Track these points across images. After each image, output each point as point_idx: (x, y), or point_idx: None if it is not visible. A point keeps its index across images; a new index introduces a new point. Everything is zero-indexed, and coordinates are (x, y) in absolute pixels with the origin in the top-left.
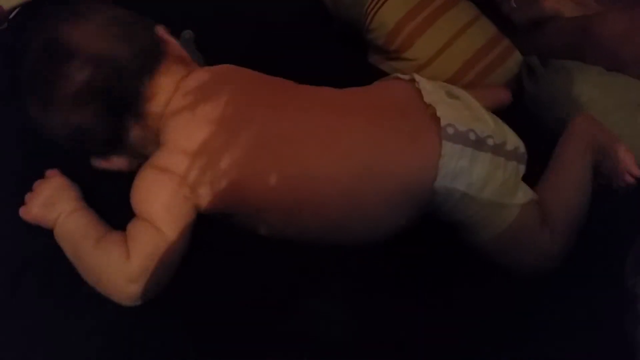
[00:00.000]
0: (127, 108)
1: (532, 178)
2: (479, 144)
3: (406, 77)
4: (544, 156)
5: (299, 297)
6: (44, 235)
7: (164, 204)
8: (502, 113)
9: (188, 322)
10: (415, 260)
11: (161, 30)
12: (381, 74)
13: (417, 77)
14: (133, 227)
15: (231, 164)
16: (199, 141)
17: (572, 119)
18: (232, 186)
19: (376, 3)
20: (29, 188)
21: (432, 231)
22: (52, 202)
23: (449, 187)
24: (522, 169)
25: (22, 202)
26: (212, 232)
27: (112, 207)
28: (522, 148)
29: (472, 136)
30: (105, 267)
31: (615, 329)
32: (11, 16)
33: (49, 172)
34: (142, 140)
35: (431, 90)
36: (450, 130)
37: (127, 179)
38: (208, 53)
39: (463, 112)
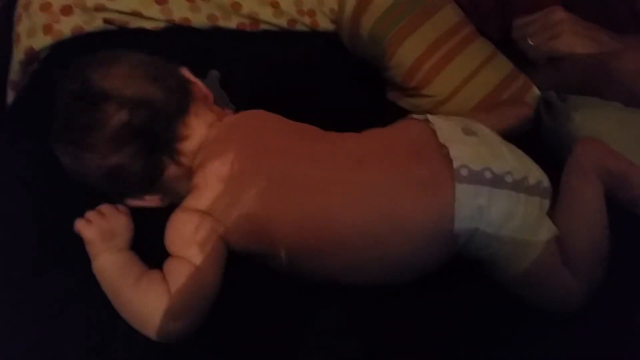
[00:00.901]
0: (164, 148)
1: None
2: (496, 181)
3: (420, 117)
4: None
5: (305, 333)
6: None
7: (198, 241)
8: (521, 149)
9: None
10: (429, 292)
11: (186, 72)
12: (399, 110)
13: (430, 117)
14: (170, 265)
15: (256, 204)
16: (228, 181)
17: (575, 143)
18: (257, 224)
19: (394, 41)
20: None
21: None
22: (112, 234)
23: (468, 229)
24: (546, 203)
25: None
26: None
27: (145, 246)
28: (545, 182)
29: (488, 175)
30: (147, 305)
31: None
32: (43, 56)
33: (123, 208)
34: (175, 179)
35: (446, 129)
36: (464, 172)
37: (159, 216)
38: (231, 92)
39: (479, 149)
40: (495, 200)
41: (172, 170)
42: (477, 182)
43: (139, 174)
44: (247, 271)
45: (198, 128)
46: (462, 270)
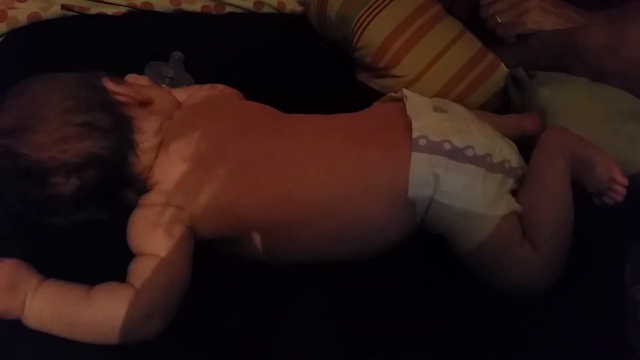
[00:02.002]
0: (127, 186)
1: None
2: (454, 153)
3: (398, 95)
4: None
5: (288, 316)
6: None
7: (162, 233)
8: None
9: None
10: (410, 272)
11: (109, 84)
12: (369, 92)
13: (406, 92)
14: (135, 265)
15: (224, 186)
16: (192, 166)
17: (542, 133)
18: (226, 208)
19: (362, 22)
20: None
21: (424, 244)
22: (14, 285)
23: (422, 196)
24: (509, 182)
25: None
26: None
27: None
28: (514, 163)
29: (446, 146)
30: (116, 314)
31: (616, 337)
32: None
33: None
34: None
35: (417, 105)
36: (422, 142)
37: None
38: (196, 74)
39: (444, 124)
40: (451, 171)
41: (132, 191)
42: (434, 152)
43: (109, 213)
44: (221, 261)
45: (149, 141)
46: (438, 258)
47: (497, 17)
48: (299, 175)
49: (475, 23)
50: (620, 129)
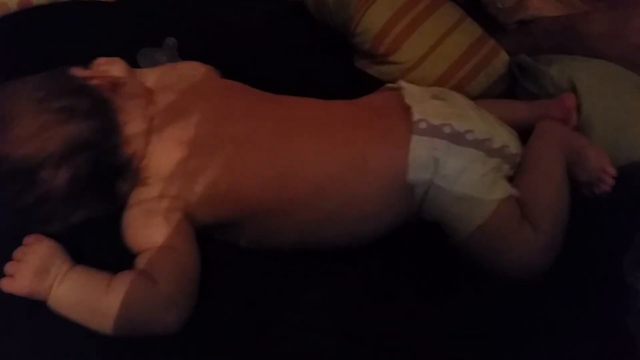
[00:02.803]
0: (121, 172)
1: None
2: (455, 137)
3: (394, 85)
4: None
5: (286, 307)
6: None
7: (162, 225)
8: None
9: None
10: (408, 264)
11: (78, 71)
12: (368, 78)
13: (403, 83)
14: (144, 258)
15: (222, 171)
16: (177, 160)
17: (538, 123)
18: (225, 192)
19: (361, 7)
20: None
21: (424, 234)
22: (46, 268)
23: (422, 179)
24: (506, 168)
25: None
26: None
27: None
28: (513, 149)
29: (447, 130)
30: (135, 305)
31: (616, 325)
32: None
33: (31, 238)
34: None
35: (416, 94)
36: (422, 125)
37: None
38: (190, 59)
39: (443, 109)
40: (452, 155)
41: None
42: (434, 135)
43: (104, 209)
44: (216, 250)
45: (135, 122)
46: (440, 247)
47: (498, 3)
48: (295, 156)
49: (476, 9)
50: (630, 104)
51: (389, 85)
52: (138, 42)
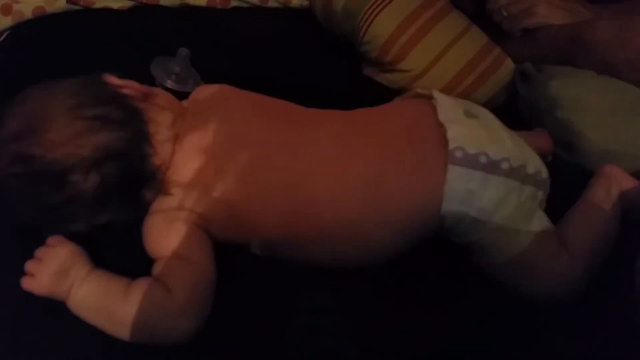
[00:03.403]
0: (147, 182)
1: None
2: (491, 167)
3: (426, 92)
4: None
5: (297, 311)
6: None
7: (181, 235)
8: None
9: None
10: (417, 271)
11: (112, 79)
12: (376, 86)
13: (436, 93)
14: (161, 266)
15: (235, 195)
16: (194, 173)
17: (600, 167)
18: (236, 216)
19: (369, 16)
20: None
21: (433, 244)
22: (65, 270)
23: (456, 212)
24: (540, 195)
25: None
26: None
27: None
28: (544, 174)
29: (483, 159)
30: (149, 312)
31: (626, 328)
32: (1, 39)
33: (54, 239)
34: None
35: (449, 108)
36: (458, 154)
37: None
38: (203, 70)
39: (477, 132)
40: (488, 186)
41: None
42: (470, 165)
43: (128, 215)
44: (228, 255)
45: (163, 134)
46: (450, 253)
47: (503, 10)
48: (311, 193)
49: (482, 17)
50: (628, 123)
51: (419, 91)
52: (151, 51)
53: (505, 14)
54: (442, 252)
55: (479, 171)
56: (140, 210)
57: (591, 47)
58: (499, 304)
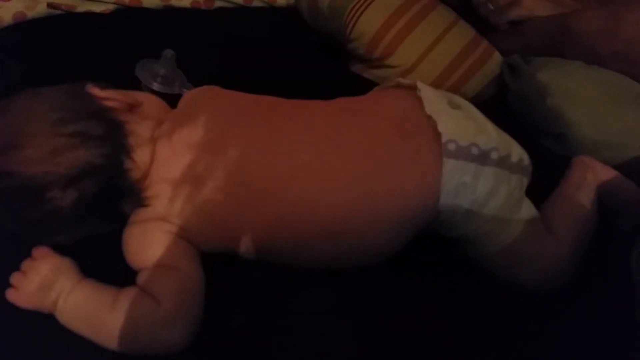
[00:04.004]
0: (126, 195)
1: None
2: (482, 158)
3: (408, 82)
4: (531, 154)
5: (293, 311)
6: None
7: (161, 244)
8: (487, 114)
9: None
10: (414, 269)
11: (94, 90)
12: (364, 82)
13: (420, 84)
14: (145, 276)
15: (219, 204)
16: (174, 183)
17: (575, 158)
18: (221, 225)
19: (355, 13)
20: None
21: (430, 242)
22: (50, 283)
23: (452, 205)
24: (525, 182)
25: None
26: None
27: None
28: (526, 160)
29: (475, 150)
30: (137, 323)
31: (626, 323)
32: None
33: (38, 251)
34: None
35: (434, 100)
36: (451, 147)
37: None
38: (189, 71)
39: (466, 123)
40: (480, 178)
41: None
42: (464, 157)
43: (108, 227)
44: (222, 257)
45: (143, 146)
46: (447, 250)
47: (489, 4)
48: (297, 196)
49: (468, 10)
50: (618, 113)
51: (402, 80)
52: (135, 54)
53: (491, 7)
54: (438, 249)
55: (472, 163)
56: (121, 222)
57: (579, 38)
58: (499, 300)
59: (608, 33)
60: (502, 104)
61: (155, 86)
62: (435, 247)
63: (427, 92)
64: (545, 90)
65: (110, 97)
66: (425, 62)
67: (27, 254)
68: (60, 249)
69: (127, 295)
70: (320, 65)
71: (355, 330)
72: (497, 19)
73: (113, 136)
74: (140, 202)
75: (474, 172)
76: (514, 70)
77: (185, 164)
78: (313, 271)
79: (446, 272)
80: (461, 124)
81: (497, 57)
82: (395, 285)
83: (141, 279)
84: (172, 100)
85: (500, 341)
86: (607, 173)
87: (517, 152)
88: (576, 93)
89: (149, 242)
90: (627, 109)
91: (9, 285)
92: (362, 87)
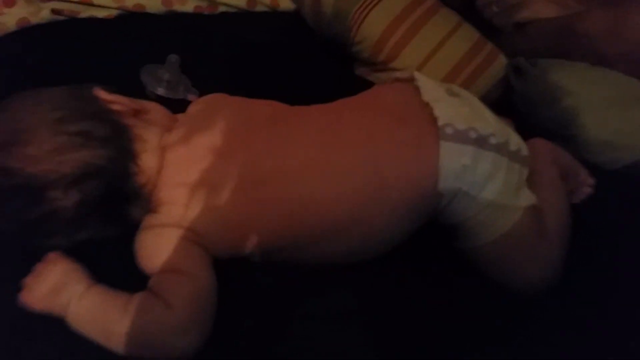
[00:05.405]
0: (129, 199)
1: None
2: (480, 142)
3: (405, 75)
4: None
5: (300, 317)
6: None
7: (173, 250)
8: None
9: None
10: (414, 263)
11: (101, 93)
12: (369, 86)
13: (416, 74)
14: (158, 281)
15: (230, 208)
16: (182, 189)
17: (531, 141)
18: (233, 229)
19: (358, 16)
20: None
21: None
22: (60, 288)
23: (451, 188)
24: (524, 171)
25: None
26: None
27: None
28: (524, 150)
29: (472, 134)
30: (149, 329)
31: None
32: None
33: (51, 256)
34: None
35: (431, 88)
36: (448, 130)
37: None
38: (193, 76)
39: (463, 109)
40: (479, 161)
41: (136, 206)
42: (462, 141)
43: (112, 231)
44: (231, 260)
45: (151, 152)
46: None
47: (493, 6)
48: (305, 194)
49: (472, 13)
50: (626, 114)
51: (399, 76)
52: (139, 59)
53: (495, 9)
54: (446, 254)
55: (470, 146)
56: (125, 228)
57: (583, 40)
58: (499, 301)
59: (613, 34)
60: (508, 107)
61: (160, 91)
62: (443, 253)
63: (424, 81)
64: (552, 92)
65: (116, 100)
66: (429, 65)
67: (32, 260)
68: (72, 254)
69: (139, 301)
70: (325, 69)
71: (365, 334)
72: (502, 21)
73: (117, 139)
74: (148, 207)
75: (473, 155)
76: (520, 72)
77: (200, 169)
78: (323, 275)
79: (461, 279)
80: (459, 109)
81: (501, 60)
82: (406, 288)
83: (154, 284)
84: (176, 105)
85: (511, 338)
86: (560, 153)
87: (516, 142)
88: (584, 95)
89: (163, 247)
90: (634, 110)
91: (17, 288)
92: (366, 89)
